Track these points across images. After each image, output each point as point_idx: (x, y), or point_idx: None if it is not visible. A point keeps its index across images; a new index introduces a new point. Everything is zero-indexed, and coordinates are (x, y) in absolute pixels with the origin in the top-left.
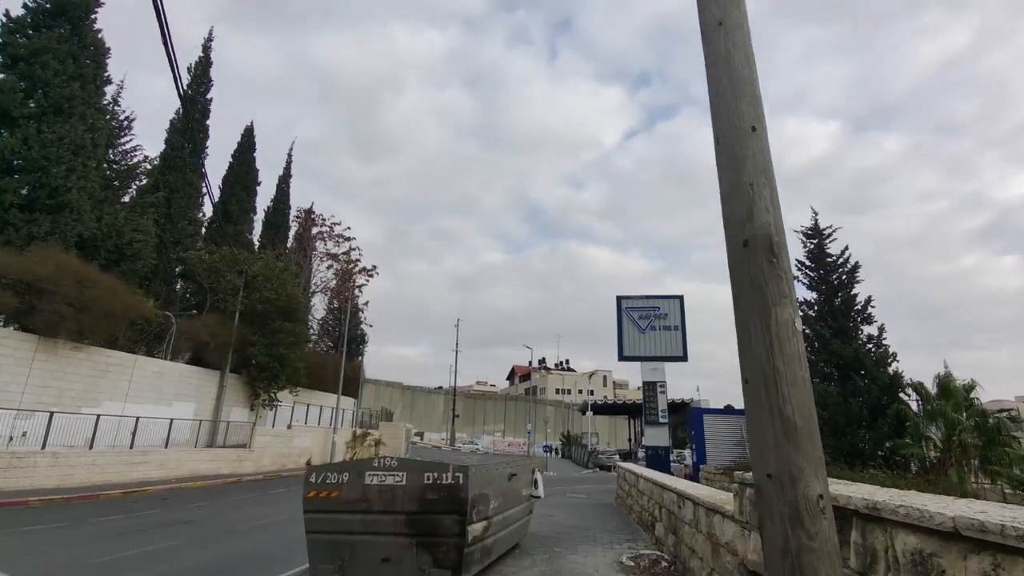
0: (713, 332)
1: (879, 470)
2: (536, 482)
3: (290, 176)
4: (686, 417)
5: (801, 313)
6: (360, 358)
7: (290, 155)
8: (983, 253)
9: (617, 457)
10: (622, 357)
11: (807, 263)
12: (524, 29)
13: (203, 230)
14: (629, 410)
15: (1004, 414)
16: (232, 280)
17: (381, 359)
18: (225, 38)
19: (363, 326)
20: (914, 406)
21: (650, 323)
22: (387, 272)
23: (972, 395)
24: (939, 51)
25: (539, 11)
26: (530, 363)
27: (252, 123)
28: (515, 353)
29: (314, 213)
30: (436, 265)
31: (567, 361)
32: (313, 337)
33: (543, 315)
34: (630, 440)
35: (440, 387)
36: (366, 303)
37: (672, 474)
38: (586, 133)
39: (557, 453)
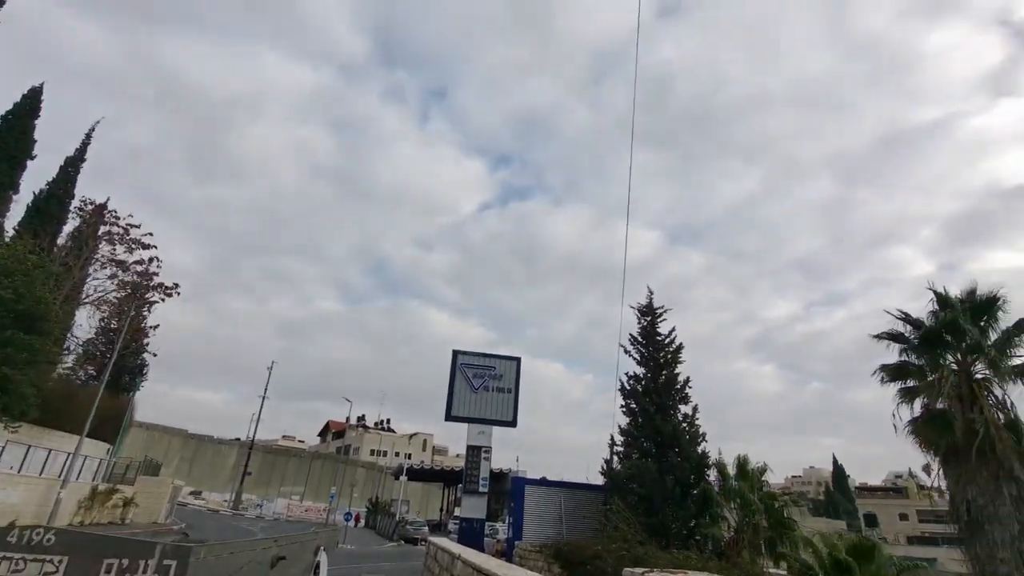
0: (536, 405)
1: (684, 551)
2: (318, 566)
3: (83, 160)
4: (503, 488)
5: (630, 387)
6: (131, 393)
7: (89, 136)
8: (751, 360)
9: (426, 529)
10: (449, 416)
11: (639, 339)
12: (401, 88)
13: None
14: (446, 477)
15: (786, 498)
16: None
17: (170, 401)
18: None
19: (146, 354)
20: (716, 486)
21: (484, 383)
22: (203, 306)
23: (764, 477)
24: (734, 193)
25: (419, 74)
26: (348, 419)
27: (42, 85)
28: (336, 410)
29: (107, 209)
30: (263, 306)
31: (388, 421)
32: (67, 359)
33: (373, 374)
34: (442, 510)
35: (238, 438)
36: (154, 327)
37: (484, 550)
38: (444, 199)
39: (360, 522)
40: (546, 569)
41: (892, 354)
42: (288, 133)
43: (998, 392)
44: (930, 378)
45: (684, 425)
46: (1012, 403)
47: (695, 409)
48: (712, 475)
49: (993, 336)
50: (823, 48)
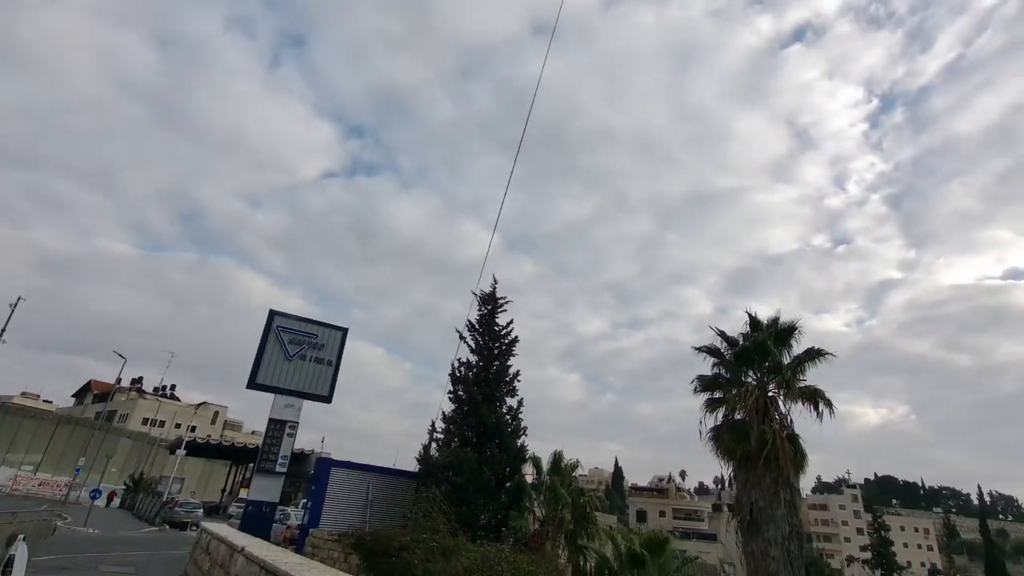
0: (350, 388)
1: (495, 543)
2: (11, 561)
3: None
4: (301, 470)
5: (461, 374)
6: None
7: None
8: (560, 369)
9: (200, 512)
10: (254, 383)
11: (477, 327)
12: (251, 20)
13: None
14: (236, 455)
15: (591, 494)
16: None
17: None
18: None
19: None
20: (529, 480)
21: (301, 351)
22: None
23: (575, 473)
24: (571, 213)
25: (276, 11)
26: (119, 380)
27: None
28: (106, 371)
29: None
30: (21, 231)
31: (172, 388)
32: None
33: (163, 334)
34: (224, 491)
35: None
36: None
37: (269, 539)
38: (284, 156)
39: (111, 501)
40: (342, 560)
41: (689, 369)
42: (94, 32)
43: (783, 408)
44: (734, 392)
45: (508, 417)
46: (792, 420)
47: (520, 403)
48: (527, 469)
49: (786, 359)
50: (662, 104)
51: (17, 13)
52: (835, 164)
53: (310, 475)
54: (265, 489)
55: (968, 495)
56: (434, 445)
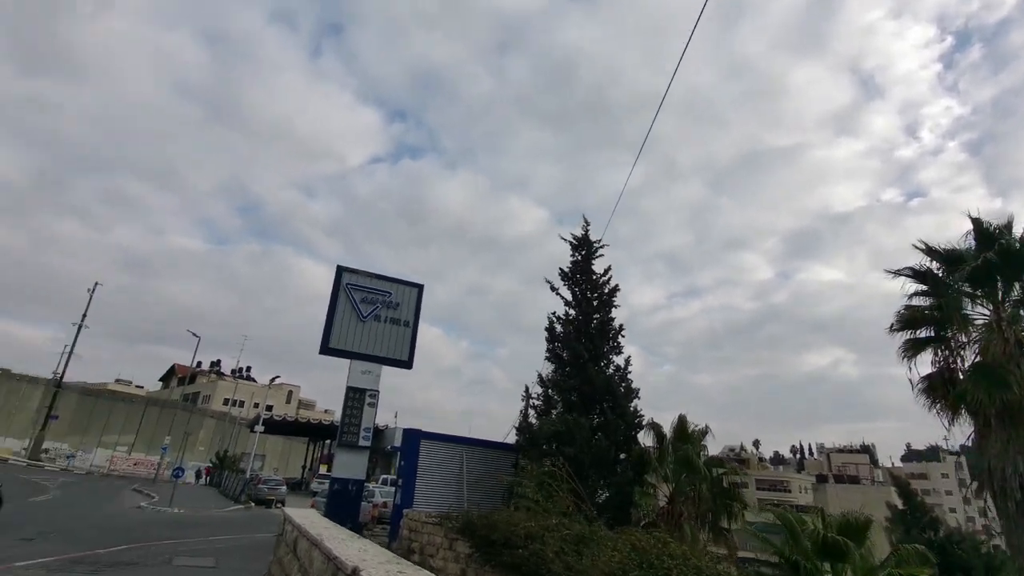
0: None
1: (627, 526)
2: None
3: None
4: (378, 445)
5: (560, 330)
6: None
7: None
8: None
9: (284, 489)
10: (327, 348)
11: (572, 274)
12: (292, 13)
13: None
14: (313, 431)
15: (732, 464)
16: None
17: None
18: None
19: None
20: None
21: (375, 311)
22: (20, 225)
23: (704, 442)
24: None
25: (314, 3)
26: (195, 359)
27: None
28: (186, 357)
29: None
30: (101, 234)
31: (248, 369)
32: None
33: (234, 323)
34: (304, 468)
35: (55, 375)
36: None
37: (359, 518)
38: (331, 144)
39: (201, 478)
40: (447, 547)
41: (750, 337)
42: (148, 35)
43: None
44: (979, 323)
45: (616, 377)
46: None
47: (628, 361)
48: (644, 437)
49: None
50: (707, 63)
51: (76, 23)
52: (905, 111)
53: (387, 451)
54: (349, 465)
55: None
56: (532, 412)
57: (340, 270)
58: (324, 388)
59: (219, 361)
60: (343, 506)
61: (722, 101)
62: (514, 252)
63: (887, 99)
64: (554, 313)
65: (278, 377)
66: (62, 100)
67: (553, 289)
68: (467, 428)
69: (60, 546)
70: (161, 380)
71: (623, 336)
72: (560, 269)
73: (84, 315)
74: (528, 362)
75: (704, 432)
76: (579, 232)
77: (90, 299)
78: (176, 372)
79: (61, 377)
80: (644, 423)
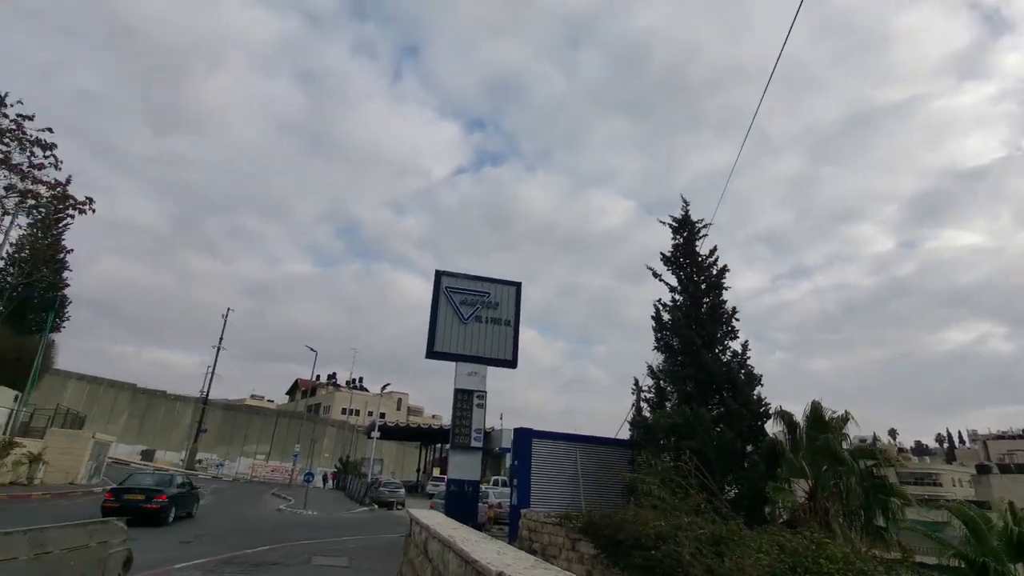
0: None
1: (767, 524)
2: None
3: None
4: (486, 447)
5: (669, 318)
6: (43, 334)
7: None
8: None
9: (403, 491)
10: (432, 352)
11: (675, 258)
12: (371, 43)
13: None
14: (423, 435)
15: (883, 455)
16: None
17: (139, 362)
18: None
19: (65, 290)
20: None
21: (475, 312)
22: (163, 265)
23: (844, 430)
24: (704, 164)
25: (390, 29)
26: (314, 373)
27: None
28: (307, 372)
29: None
30: (229, 266)
31: (360, 380)
32: None
33: (344, 338)
34: (419, 471)
35: (201, 393)
36: (65, 254)
37: (478, 519)
38: (417, 161)
39: (327, 483)
40: (569, 547)
41: (874, 315)
42: (252, 85)
43: None
44: None
45: (735, 363)
46: None
47: (746, 345)
48: (772, 427)
49: None
50: (797, 26)
51: (194, 85)
52: None
53: (496, 452)
54: (463, 466)
55: None
56: (644, 406)
57: (439, 275)
58: (431, 395)
59: (335, 374)
60: (461, 507)
61: (817, 63)
62: (603, 248)
63: (1018, 32)
64: (659, 300)
65: (389, 384)
66: (188, 153)
67: (656, 275)
68: (570, 427)
69: (213, 548)
70: (287, 394)
71: (737, 320)
72: (661, 254)
73: (221, 338)
74: (628, 358)
75: (844, 419)
76: (678, 214)
77: (224, 324)
78: (299, 386)
79: (206, 395)
80: (771, 412)
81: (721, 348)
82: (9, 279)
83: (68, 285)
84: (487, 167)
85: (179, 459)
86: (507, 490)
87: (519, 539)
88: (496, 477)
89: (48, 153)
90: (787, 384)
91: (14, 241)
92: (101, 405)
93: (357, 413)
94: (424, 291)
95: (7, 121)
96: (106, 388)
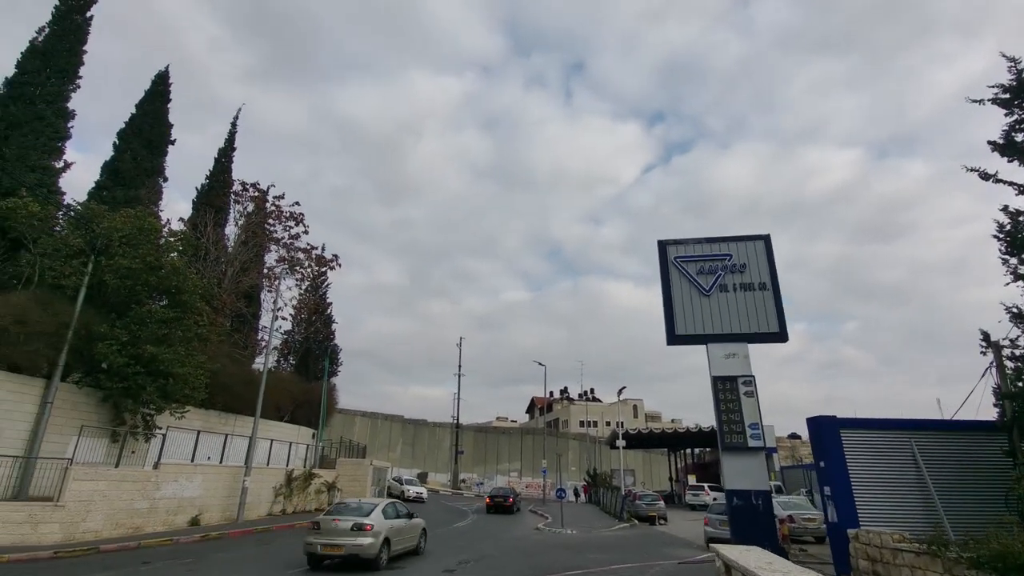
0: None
1: None
2: None
3: (233, 149)
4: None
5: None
6: (323, 379)
7: (234, 125)
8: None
9: (661, 504)
10: (674, 337)
11: (1013, 141)
12: (540, 73)
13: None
14: (669, 442)
15: None
16: (73, 241)
17: (405, 398)
18: (254, 96)
19: (335, 338)
20: None
21: (718, 280)
22: (409, 314)
23: None
24: (956, 78)
25: (554, 54)
26: (550, 393)
27: (167, 67)
28: (539, 390)
29: (257, 188)
30: (458, 305)
31: (592, 391)
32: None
33: (567, 354)
34: (671, 479)
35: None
36: (330, 308)
37: (777, 542)
38: (603, 170)
39: (578, 496)
40: None
41: None
42: (448, 143)
43: None
44: None
45: None
46: None
47: None
48: None
49: None
50: None
51: (406, 156)
52: None
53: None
54: (743, 472)
55: None
56: (1008, 369)
57: (663, 245)
58: (666, 399)
59: (566, 388)
60: (751, 524)
61: None
62: (827, 209)
63: None
64: (1005, 207)
65: (624, 388)
66: (411, 214)
67: (984, 177)
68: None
69: None
70: (527, 412)
71: None
72: (990, 143)
73: (459, 365)
74: (886, 328)
75: None
76: (1005, 80)
77: (460, 352)
78: (536, 404)
79: (457, 419)
80: None
81: None
82: (297, 336)
83: (334, 335)
84: (675, 156)
85: (446, 479)
86: (787, 498)
87: (854, 569)
88: (778, 484)
89: (300, 224)
90: None
91: (290, 301)
92: (380, 437)
93: (594, 424)
94: (636, 294)
95: (270, 206)
96: (382, 421)
